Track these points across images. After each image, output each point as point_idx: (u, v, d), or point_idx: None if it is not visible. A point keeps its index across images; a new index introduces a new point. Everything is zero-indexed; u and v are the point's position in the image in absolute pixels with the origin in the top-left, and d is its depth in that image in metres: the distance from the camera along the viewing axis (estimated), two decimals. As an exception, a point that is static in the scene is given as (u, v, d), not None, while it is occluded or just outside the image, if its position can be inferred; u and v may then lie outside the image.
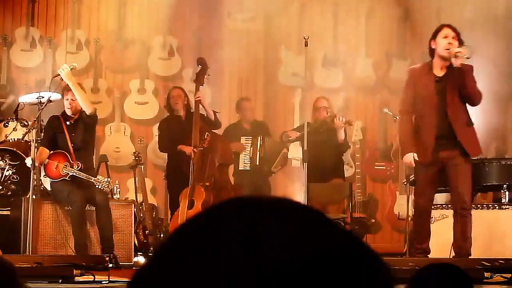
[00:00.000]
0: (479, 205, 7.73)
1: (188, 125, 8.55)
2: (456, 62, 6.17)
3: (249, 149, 9.15)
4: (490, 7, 10.05)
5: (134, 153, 8.95)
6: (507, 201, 7.69)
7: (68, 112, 7.67)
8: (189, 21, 10.53)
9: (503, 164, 7.92)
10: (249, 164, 9.16)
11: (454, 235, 6.46)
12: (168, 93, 9.15)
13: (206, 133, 8.36)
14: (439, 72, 6.36)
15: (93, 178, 7.39)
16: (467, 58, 6.21)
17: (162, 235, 8.77)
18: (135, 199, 8.73)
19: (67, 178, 7.48)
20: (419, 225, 6.65)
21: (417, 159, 6.41)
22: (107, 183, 7.35)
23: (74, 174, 7.45)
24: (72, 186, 7.46)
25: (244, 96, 9.91)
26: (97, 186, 7.35)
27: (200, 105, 8.49)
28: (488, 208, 7.63)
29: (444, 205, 7.50)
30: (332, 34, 10.57)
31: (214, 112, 8.74)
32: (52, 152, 7.64)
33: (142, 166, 9.03)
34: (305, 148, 7.77)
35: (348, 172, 9.90)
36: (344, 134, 8.56)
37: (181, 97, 8.92)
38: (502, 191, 7.74)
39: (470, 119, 6.44)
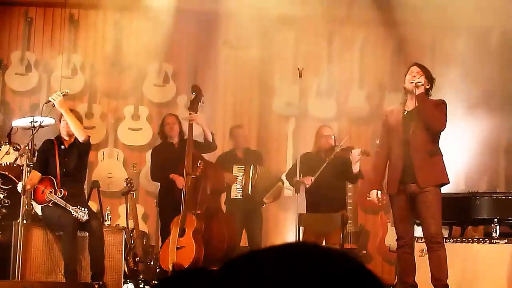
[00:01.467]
0: (469, 239, 7.73)
1: (181, 153, 8.52)
2: (417, 91, 6.41)
3: (241, 177, 9.11)
4: (483, 39, 10.11)
5: (126, 179, 8.93)
6: (497, 235, 7.70)
7: (63, 133, 7.66)
8: (184, 48, 10.57)
9: (494, 198, 7.94)
10: (241, 193, 9.11)
11: (430, 269, 6.53)
12: (162, 120, 9.13)
13: (199, 161, 8.33)
14: (409, 107, 6.59)
15: (71, 207, 7.34)
16: (422, 85, 6.41)
17: (152, 263, 8.73)
18: (126, 225, 8.70)
19: (50, 205, 7.48)
20: (401, 259, 6.73)
21: (379, 196, 6.68)
22: (83, 214, 7.29)
23: (55, 201, 7.44)
24: (64, 211, 7.41)
25: (237, 124, 9.87)
26: (73, 215, 7.31)
27: (193, 131, 8.48)
28: (478, 242, 7.62)
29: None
30: (326, 64, 10.62)
31: (212, 134, 8.75)
32: (43, 176, 7.64)
33: (134, 193, 9.02)
34: (298, 178, 7.78)
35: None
36: (359, 165, 8.47)
37: (175, 124, 8.92)
38: (492, 225, 7.75)
39: (436, 149, 6.56)
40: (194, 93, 8.62)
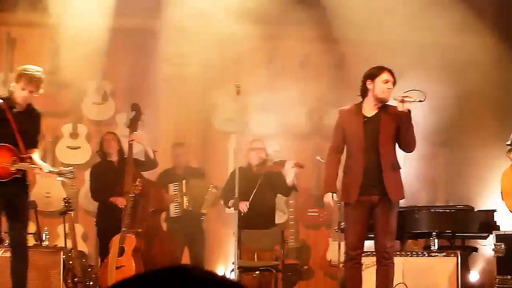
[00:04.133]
0: (408, 252, 7.78)
1: (121, 171, 8.47)
2: (403, 107, 6.06)
3: (177, 195, 9.08)
4: (422, 55, 10.19)
5: (64, 198, 8.77)
6: (436, 248, 7.77)
7: (19, 100, 6.59)
8: (123, 66, 10.49)
9: (433, 212, 8.02)
10: (179, 210, 9.08)
11: (376, 283, 6.33)
12: (101, 138, 9.07)
13: (138, 179, 8.27)
14: (369, 112, 6.28)
15: (53, 168, 6.71)
16: (421, 101, 6.09)
17: (91, 283, 8.61)
18: (64, 245, 8.56)
19: (19, 176, 6.46)
20: (347, 271, 6.42)
21: (335, 199, 6.32)
22: (71, 173, 6.79)
23: (26, 169, 6.48)
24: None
25: (179, 141, 9.80)
26: (58, 179, 6.94)
27: (132, 149, 8.44)
28: (418, 255, 7.67)
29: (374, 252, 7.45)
30: (267, 80, 10.60)
31: (154, 151, 8.71)
32: None
33: (72, 212, 8.87)
34: (236, 195, 7.66)
35: (282, 218, 9.89)
36: (293, 178, 8.35)
37: (114, 142, 8.86)
38: (431, 238, 7.81)
39: (398, 163, 6.30)
40: (134, 111, 8.60)
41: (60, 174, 6.76)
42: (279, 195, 8.76)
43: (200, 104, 10.55)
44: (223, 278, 1.35)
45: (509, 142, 6.89)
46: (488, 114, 10.28)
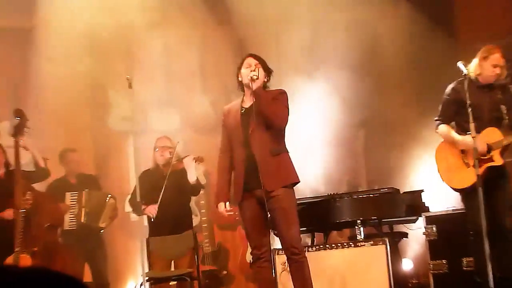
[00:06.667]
0: (333, 245, 7.24)
1: (8, 185, 7.74)
2: (252, 86, 5.85)
3: (75, 205, 8.66)
4: (329, 37, 9.76)
5: None
6: (362, 237, 7.24)
7: None
8: (2, 71, 9.77)
9: (355, 198, 7.55)
10: (75, 223, 8.64)
11: (293, 282, 5.92)
12: (-16, 151, 8.32)
13: (28, 192, 7.58)
14: (247, 103, 6.04)
15: None
16: (257, 78, 5.84)
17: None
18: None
19: None
20: (256, 272, 6.09)
21: (228, 208, 6.03)
22: None
23: None
24: None
25: (69, 147, 9.20)
26: None
27: (20, 159, 7.72)
28: (343, 247, 7.18)
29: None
30: (164, 72, 9.97)
31: (45, 159, 8.18)
32: None
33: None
34: (138, 200, 7.12)
35: (194, 220, 9.26)
36: (195, 174, 7.78)
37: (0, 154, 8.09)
38: (356, 227, 7.27)
39: (280, 147, 5.90)
40: (17, 118, 7.90)
41: None
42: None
43: (92, 103, 9.82)
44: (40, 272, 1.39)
45: (436, 118, 6.48)
46: (405, 91, 9.98)
